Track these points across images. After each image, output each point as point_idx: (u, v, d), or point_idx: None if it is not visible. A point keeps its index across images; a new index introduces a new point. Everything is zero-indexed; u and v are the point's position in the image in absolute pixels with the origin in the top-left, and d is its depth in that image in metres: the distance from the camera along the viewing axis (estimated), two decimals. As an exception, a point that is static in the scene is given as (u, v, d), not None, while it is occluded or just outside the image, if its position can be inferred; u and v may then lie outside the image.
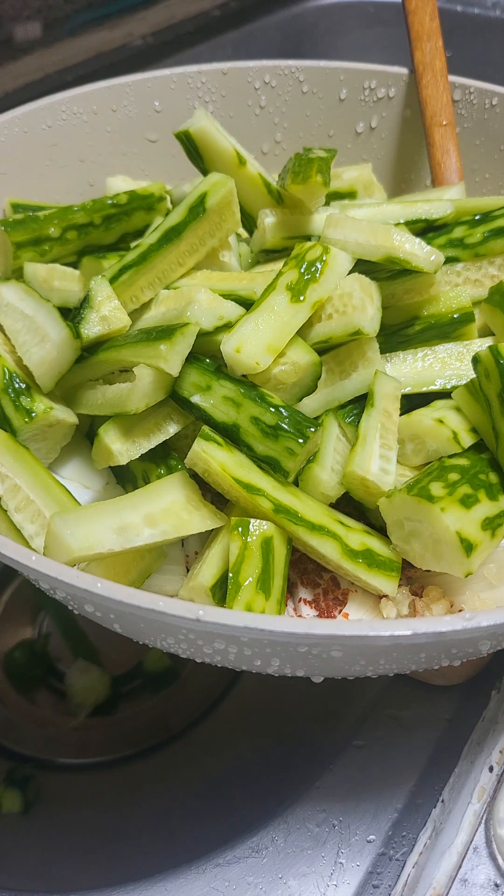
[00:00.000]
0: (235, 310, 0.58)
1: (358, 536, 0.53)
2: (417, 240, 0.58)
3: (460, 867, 0.56)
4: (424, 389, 0.59)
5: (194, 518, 0.51)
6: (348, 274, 0.58)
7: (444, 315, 0.61)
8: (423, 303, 0.62)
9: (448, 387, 0.58)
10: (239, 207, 0.63)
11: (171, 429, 0.57)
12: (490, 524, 0.50)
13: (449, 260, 0.64)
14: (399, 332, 0.61)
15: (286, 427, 0.52)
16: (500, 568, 0.55)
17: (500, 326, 0.61)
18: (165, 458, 0.57)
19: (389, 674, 0.55)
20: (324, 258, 0.57)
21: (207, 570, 0.51)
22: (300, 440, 0.52)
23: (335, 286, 0.57)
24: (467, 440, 0.54)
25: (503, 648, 0.50)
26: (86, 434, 0.64)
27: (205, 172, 0.67)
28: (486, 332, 0.63)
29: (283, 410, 0.53)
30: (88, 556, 0.48)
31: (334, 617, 0.54)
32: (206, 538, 0.55)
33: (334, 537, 0.52)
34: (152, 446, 0.56)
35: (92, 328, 0.58)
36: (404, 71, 0.83)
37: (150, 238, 0.62)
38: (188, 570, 0.55)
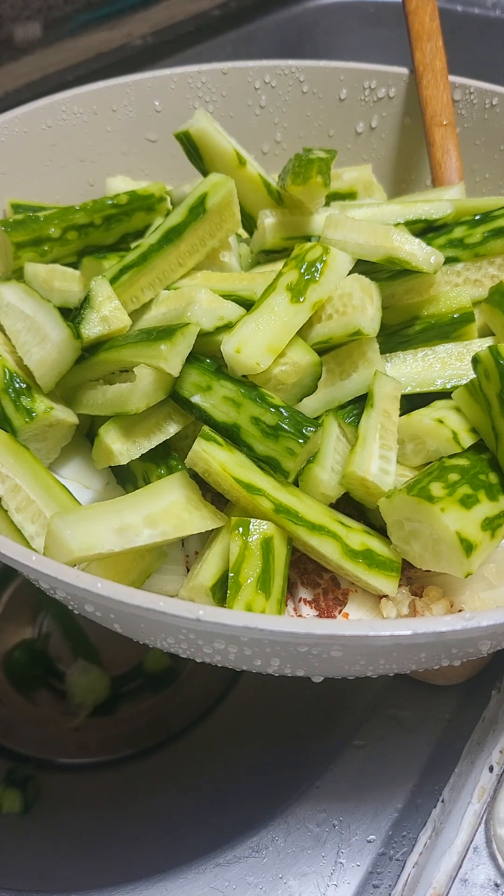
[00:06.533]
0: (236, 310, 0.58)
1: (358, 536, 0.53)
2: (417, 240, 0.58)
3: (460, 867, 0.56)
4: (424, 390, 0.59)
5: (194, 518, 0.52)
6: (348, 274, 0.58)
7: (444, 315, 0.61)
8: (423, 303, 0.62)
9: (448, 387, 0.58)
10: (239, 208, 0.63)
11: (172, 429, 0.57)
12: (490, 524, 0.50)
13: (449, 260, 0.64)
14: (399, 333, 0.61)
15: (286, 427, 0.52)
16: (500, 568, 0.55)
17: (500, 326, 0.61)
18: (166, 458, 0.57)
19: (389, 674, 0.55)
20: (324, 259, 0.57)
21: (207, 570, 0.51)
22: (300, 440, 0.52)
23: (335, 287, 0.57)
24: (467, 440, 0.54)
25: (503, 648, 0.50)
26: (86, 434, 0.64)
27: (205, 173, 0.67)
28: (486, 332, 0.63)
29: (283, 411, 0.53)
30: (88, 556, 0.48)
31: (334, 617, 0.54)
32: (206, 538, 0.55)
33: (334, 537, 0.52)
34: (152, 446, 0.56)
35: (92, 328, 0.58)
36: (404, 71, 0.83)
37: (150, 238, 0.62)
38: (188, 570, 0.55)
